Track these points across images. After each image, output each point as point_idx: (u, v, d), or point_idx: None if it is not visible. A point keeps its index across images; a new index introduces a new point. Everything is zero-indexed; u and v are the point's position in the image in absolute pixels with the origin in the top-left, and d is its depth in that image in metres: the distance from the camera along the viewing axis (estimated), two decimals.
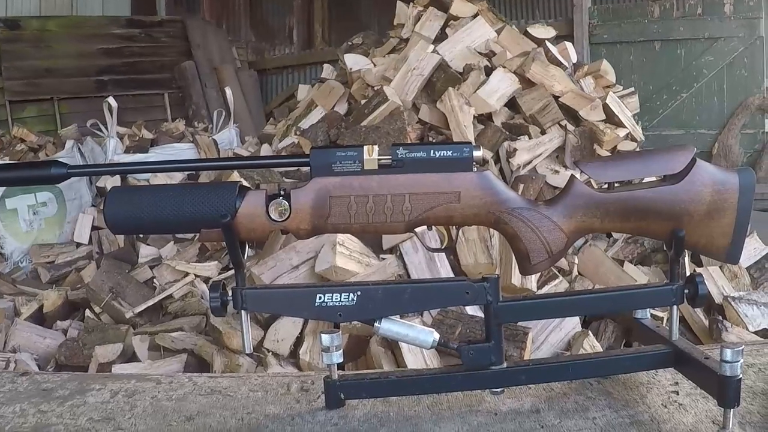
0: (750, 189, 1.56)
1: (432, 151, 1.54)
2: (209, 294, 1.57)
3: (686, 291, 1.60)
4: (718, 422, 1.55)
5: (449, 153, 1.54)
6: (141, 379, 1.99)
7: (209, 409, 1.76)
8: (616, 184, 1.57)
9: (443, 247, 1.71)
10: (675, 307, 1.64)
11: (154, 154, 7.21)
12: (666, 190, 1.55)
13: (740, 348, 1.47)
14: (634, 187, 1.57)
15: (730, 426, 1.52)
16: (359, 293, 1.59)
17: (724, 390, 1.49)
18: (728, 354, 1.47)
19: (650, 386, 1.78)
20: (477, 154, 1.54)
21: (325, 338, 1.63)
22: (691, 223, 1.55)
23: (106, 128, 7.38)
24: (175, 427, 1.67)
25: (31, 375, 2.07)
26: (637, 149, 5.24)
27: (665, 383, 1.79)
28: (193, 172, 5.54)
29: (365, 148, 1.53)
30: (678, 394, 1.72)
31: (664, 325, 1.82)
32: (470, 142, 1.60)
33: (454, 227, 1.63)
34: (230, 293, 1.57)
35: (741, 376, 1.48)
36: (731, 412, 1.51)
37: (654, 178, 1.60)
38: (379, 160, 1.54)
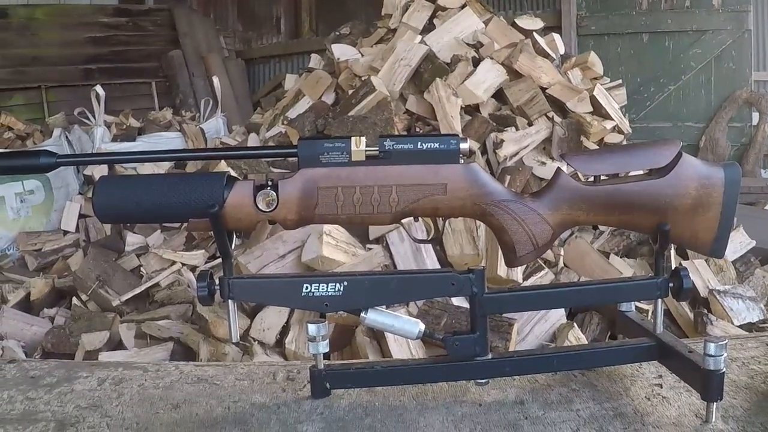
0: (735, 184, 1.56)
1: (419, 143, 1.54)
2: (197, 283, 1.57)
3: (671, 284, 1.61)
4: (701, 416, 1.56)
5: (436, 145, 1.54)
6: (128, 367, 2.00)
7: (196, 397, 1.77)
8: (602, 177, 1.58)
9: (429, 238, 1.72)
10: (659, 300, 1.65)
11: (142, 143, 7.23)
12: (651, 184, 1.55)
13: (724, 342, 1.48)
14: (620, 181, 1.58)
15: (713, 420, 1.53)
16: (346, 283, 1.59)
17: (708, 384, 1.50)
18: (712, 348, 1.48)
19: (634, 379, 1.79)
20: (464, 146, 1.55)
21: (312, 328, 1.64)
22: (676, 217, 1.56)
23: (94, 117, 7.38)
24: (162, 415, 1.67)
25: (18, 362, 2.08)
26: (624, 141, 5.27)
27: (649, 376, 1.80)
28: (180, 161, 5.54)
29: (353, 139, 1.54)
30: (662, 387, 1.73)
31: (649, 318, 1.83)
32: (457, 134, 1.61)
33: (440, 219, 1.64)
34: (218, 282, 1.58)
35: (724, 370, 1.49)
36: (714, 406, 1.53)
37: (640, 172, 1.61)
38: (366, 151, 1.54)
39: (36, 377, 1.94)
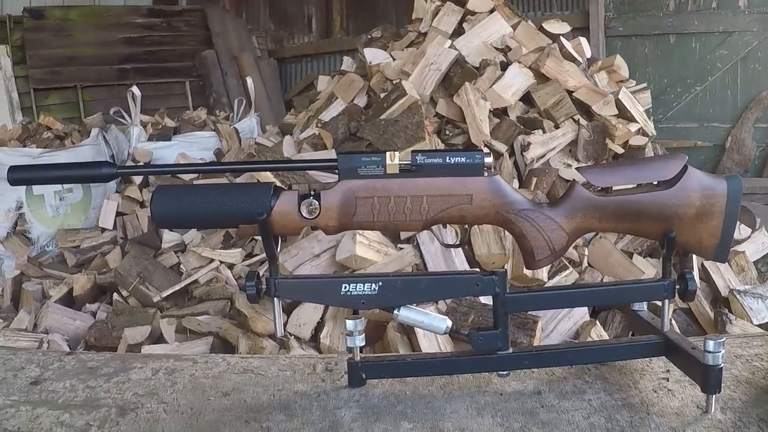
0: (737, 194, 1.69)
1: (447, 158, 1.69)
2: (246, 283, 1.72)
3: (677, 286, 1.75)
4: (702, 407, 1.70)
5: (463, 159, 1.68)
6: (178, 359, 2.15)
7: (243, 386, 1.92)
8: (613, 189, 1.72)
9: (457, 242, 1.87)
10: (666, 300, 1.79)
11: (177, 142, 7.33)
12: (658, 194, 1.69)
13: (722, 339, 1.62)
14: (630, 192, 1.72)
15: (712, 410, 1.67)
16: (381, 283, 1.74)
17: (707, 377, 1.64)
18: (711, 345, 1.62)
19: (643, 373, 1.92)
20: (488, 160, 1.69)
21: (350, 323, 1.79)
22: (681, 225, 1.69)
23: (130, 116, 7.50)
24: (213, 402, 1.83)
25: (76, 354, 2.23)
26: (649, 144, 5.34)
27: (657, 370, 1.93)
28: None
29: (387, 154, 1.68)
30: (668, 380, 1.86)
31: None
32: (481, 150, 1.74)
33: (466, 225, 1.79)
34: (264, 282, 1.73)
35: (722, 365, 1.63)
36: (713, 398, 1.67)
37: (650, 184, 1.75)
38: (400, 164, 1.68)
39: (94, 368, 2.09)
